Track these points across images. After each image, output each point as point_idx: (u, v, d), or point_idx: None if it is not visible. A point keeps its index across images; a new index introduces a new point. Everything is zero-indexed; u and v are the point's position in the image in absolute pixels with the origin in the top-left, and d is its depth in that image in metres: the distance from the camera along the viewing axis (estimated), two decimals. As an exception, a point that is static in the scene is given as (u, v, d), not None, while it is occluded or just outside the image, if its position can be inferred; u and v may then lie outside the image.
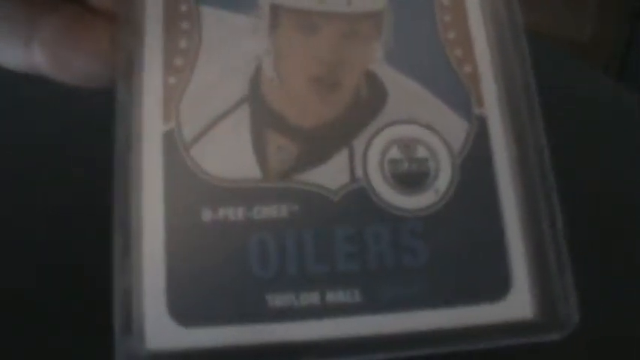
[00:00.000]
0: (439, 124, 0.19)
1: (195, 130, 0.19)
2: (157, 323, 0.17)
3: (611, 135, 0.33)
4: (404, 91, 0.19)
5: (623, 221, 0.32)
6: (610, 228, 0.31)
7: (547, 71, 0.35)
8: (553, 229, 0.18)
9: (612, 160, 0.33)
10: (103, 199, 0.18)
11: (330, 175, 0.18)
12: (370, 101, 0.19)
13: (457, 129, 0.19)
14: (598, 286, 0.28)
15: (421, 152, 0.19)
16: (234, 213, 0.18)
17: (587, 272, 0.29)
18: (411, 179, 0.19)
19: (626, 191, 0.32)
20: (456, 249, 0.18)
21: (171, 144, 0.18)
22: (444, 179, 0.19)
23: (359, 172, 0.19)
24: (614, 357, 0.28)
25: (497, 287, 0.18)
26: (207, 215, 0.18)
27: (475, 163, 0.19)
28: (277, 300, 0.18)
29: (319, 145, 0.19)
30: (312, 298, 0.18)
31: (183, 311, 0.17)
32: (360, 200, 0.18)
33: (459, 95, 0.19)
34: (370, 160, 0.19)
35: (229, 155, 0.19)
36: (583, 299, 0.29)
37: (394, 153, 0.19)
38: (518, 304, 0.18)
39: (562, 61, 0.36)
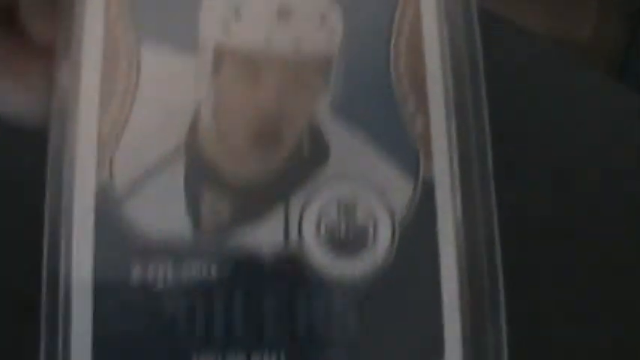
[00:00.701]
0: (382, 185, 0.18)
1: (128, 182, 0.18)
2: (82, 380, 0.17)
3: (611, 135, 0.33)
4: (348, 148, 0.18)
5: (623, 221, 0.31)
6: (610, 227, 0.31)
7: (547, 71, 0.34)
8: (494, 306, 0.18)
9: (612, 160, 0.33)
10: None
11: (264, 236, 0.18)
12: (311, 158, 0.18)
13: (401, 192, 0.18)
14: (599, 284, 0.30)
15: (360, 216, 0.18)
16: (164, 270, 0.18)
17: (586, 270, 0.30)
18: (348, 244, 0.18)
19: (626, 191, 0.32)
20: (389, 320, 0.18)
21: (104, 195, 0.18)
22: (382, 246, 0.18)
23: (293, 234, 0.18)
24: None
25: (429, 361, 0.18)
26: (136, 272, 0.18)
27: (417, 230, 0.18)
28: (203, 361, 0.18)
29: (254, 202, 0.18)
30: (237, 360, 0.18)
31: (109, 369, 0.18)
32: (292, 263, 0.18)
33: (407, 155, 0.18)
34: (306, 222, 0.18)
35: (161, 210, 0.18)
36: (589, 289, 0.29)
37: (332, 215, 0.18)
38: (449, 379, 0.18)
39: (562, 61, 0.35)
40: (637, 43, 0.59)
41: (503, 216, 0.28)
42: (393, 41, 0.19)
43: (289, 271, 0.18)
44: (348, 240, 0.18)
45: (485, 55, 0.31)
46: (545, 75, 0.34)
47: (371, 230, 0.18)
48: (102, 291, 0.18)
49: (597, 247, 0.31)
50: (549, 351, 0.30)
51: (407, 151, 0.18)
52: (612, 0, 0.60)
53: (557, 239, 0.31)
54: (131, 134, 0.18)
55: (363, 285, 0.18)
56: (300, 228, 0.18)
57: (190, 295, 0.18)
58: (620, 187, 0.32)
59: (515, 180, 0.31)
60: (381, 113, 0.19)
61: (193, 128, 0.18)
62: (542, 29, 0.55)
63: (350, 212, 0.18)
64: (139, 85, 0.19)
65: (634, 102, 0.35)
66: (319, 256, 0.18)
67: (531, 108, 0.33)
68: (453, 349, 0.18)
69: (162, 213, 0.18)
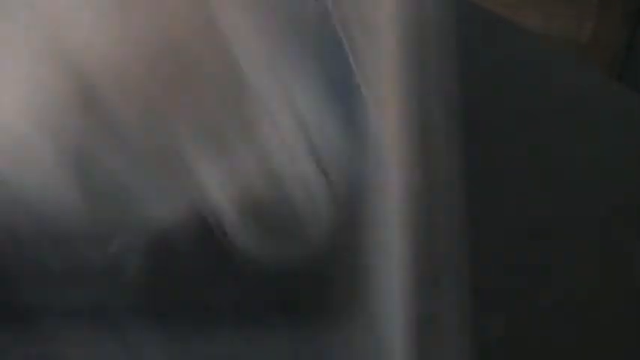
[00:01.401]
0: (319, 143, 0.15)
1: None
2: None
3: (611, 135, 0.33)
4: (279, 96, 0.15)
5: (623, 221, 0.31)
6: (610, 227, 0.31)
7: (547, 71, 0.34)
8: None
9: (612, 160, 0.33)
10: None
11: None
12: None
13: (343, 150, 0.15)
14: (600, 284, 0.29)
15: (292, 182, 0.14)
16: None
17: (585, 270, 0.29)
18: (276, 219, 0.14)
19: (626, 191, 0.32)
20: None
21: None
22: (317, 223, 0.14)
23: (211, 202, 0.14)
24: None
25: None
26: None
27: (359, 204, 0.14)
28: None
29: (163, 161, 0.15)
30: None
31: None
32: (207, 236, 0.14)
33: (351, 102, 0.15)
34: (226, 189, 0.14)
35: None
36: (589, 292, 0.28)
37: (257, 182, 0.14)
38: None
39: (562, 61, 0.36)
40: (637, 43, 0.59)
41: (503, 216, 0.28)
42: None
43: (203, 245, 0.14)
44: (275, 213, 0.14)
45: (485, 55, 0.31)
46: (545, 75, 0.34)
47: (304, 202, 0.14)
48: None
49: (596, 247, 0.30)
50: (549, 352, 0.28)
51: (351, 98, 0.15)
52: (612, 0, 0.61)
53: (556, 239, 0.30)
54: None
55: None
56: (217, 195, 0.14)
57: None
58: (620, 187, 0.32)
59: (514, 180, 0.30)
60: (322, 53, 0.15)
61: None
62: (542, 29, 0.56)
63: (280, 179, 0.14)
64: None
65: (634, 102, 0.35)
66: (241, 232, 0.14)
67: (531, 108, 0.33)
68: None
69: None
